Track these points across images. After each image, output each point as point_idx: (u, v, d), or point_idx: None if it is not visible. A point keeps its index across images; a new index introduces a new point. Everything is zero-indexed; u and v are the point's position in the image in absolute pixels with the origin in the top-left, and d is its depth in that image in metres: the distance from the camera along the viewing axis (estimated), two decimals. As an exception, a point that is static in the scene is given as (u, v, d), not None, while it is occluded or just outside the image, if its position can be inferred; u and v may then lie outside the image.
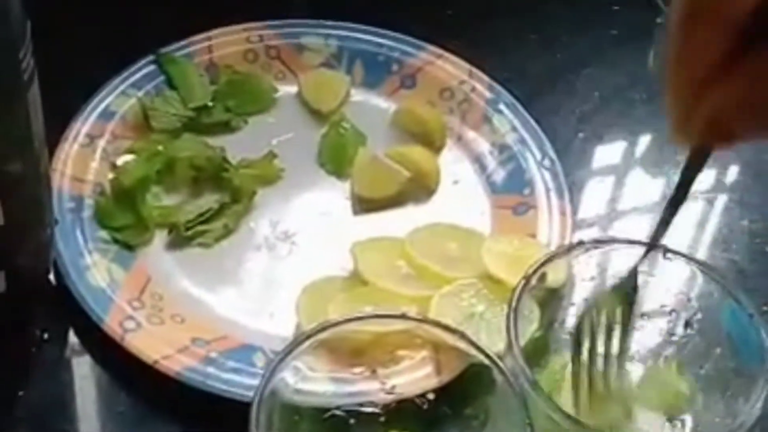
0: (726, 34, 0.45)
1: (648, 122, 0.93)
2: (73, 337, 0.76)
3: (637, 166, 0.91)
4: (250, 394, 0.56)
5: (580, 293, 0.65)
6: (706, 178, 0.89)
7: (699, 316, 0.64)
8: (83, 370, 0.74)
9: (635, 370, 0.66)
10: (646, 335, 0.66)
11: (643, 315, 0.66)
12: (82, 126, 0.84)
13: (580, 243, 0.66)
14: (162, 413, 0.72)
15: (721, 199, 0.88)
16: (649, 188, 0.89)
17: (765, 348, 0.58)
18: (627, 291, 0.62)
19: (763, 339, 0.59)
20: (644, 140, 0.93)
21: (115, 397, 0.73)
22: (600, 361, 0.62)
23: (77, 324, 0.75)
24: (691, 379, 0.64)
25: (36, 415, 0.71)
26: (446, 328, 0.60)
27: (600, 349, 0.62)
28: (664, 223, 0.58)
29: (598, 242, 0.66)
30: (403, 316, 0.62)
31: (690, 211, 0.87)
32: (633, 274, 0.61)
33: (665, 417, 0.64)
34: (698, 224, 0.86)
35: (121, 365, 0.73)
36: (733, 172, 0.90)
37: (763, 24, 0.45)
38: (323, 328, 0.58)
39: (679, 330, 0.65)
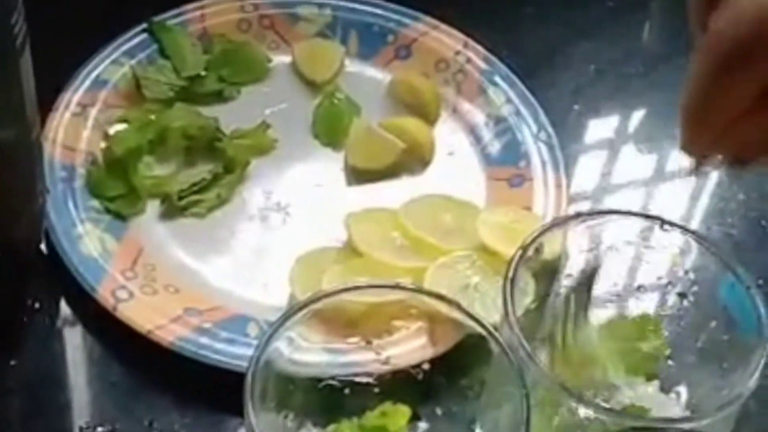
0: (756, 86, 0.46)
1: (643, 96, 0.93)
2: (65, 307, 0.75)
3: (632, 139, 0.91)
4: (244, 364, 0.55)
5: (576, 265, 0.65)
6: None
7: (695, 288, 0.64)
8: (75, 340, 0.74)
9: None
10: (642, 307, 0.65)
11: (639, 287, 0.66)
12: (73, 95, 0.83)
13: (577, 214, 0.66)
14: (155, 383, 0.72)
15: (717, 173, 0.88)
16: (643, 162, 0.89)
17: (762, 320, 0.58)
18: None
19: (760, 311, 0.58)
20: (639, 114, 0.93)
21: (107, 368, 0.73)
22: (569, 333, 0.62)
23: (69, 294, 0.75)
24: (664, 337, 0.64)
25: (28, 385, 0.71)
26: (441, 298, 0.60)
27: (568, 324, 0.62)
28: None
29: (594, 214, 0.66)
30: (397, 286, 0.62)
31: (686, 184, 0.87)
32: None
33: (659, 388, 0.64)
34: (694, 197, 0.86)
35: (113, 335, 0.73)
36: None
37: None
38: (317, 298, 0.58)
39: (674, 302, 0.65)
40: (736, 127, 0.48)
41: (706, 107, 0.48)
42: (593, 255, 0.65)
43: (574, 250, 0.65)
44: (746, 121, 0.47)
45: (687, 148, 0.51)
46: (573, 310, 0.63)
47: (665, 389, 0.64)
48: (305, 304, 0.58)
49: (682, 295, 0.65)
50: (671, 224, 0.63)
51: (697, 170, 0.54)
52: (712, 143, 0.49)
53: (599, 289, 0.66)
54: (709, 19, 0.46)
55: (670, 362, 0.65)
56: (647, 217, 0.64)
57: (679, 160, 0.52)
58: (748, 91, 0.46)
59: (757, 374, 0.57)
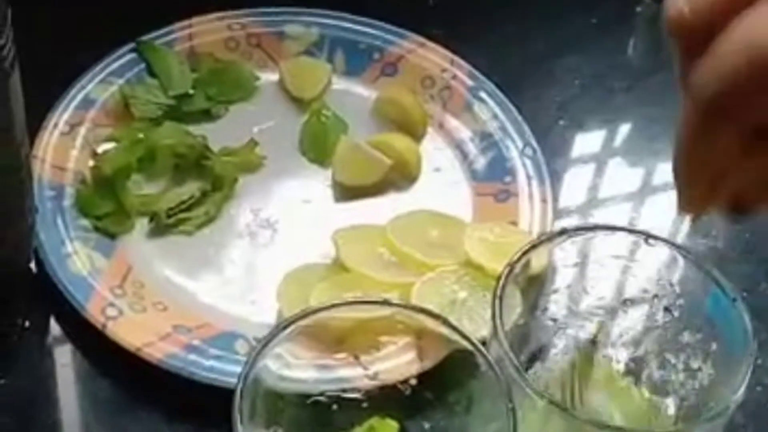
0: (742, 135, 0.45)
1: (627, 110, 0.94)
2: (54, 325, 0.76)
3: (617, 153, 0.92)
4: (233, 380, 0.56)
5: (563, 280, 0.66)
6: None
7: (681, 301, 0.64)
8: (65, 358, 0.74)
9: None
10: (629, 321, 0.66)
11: (625, 301, 0.66)
12: (62, 114, 0.83)
13: (564, 230, 0.66)
14: (144, 401, 0.72)
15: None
16: (628, 175, 0.90)
17: (748, 332, 0.58)
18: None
19: (746, 323, 0.59)
20: (624, 128, 0.94)
21: (97, 385, 0.73)
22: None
23: (59, 312, 0.75)
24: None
25: (18, 403, 0.71)
26: (428, 313, 0.60)
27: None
28: None
29: (580, 229, 0.66)
30: (384, 302, 0.62)
31: (671, 199, 0.87)
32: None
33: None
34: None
35: (102, 353, 0.73)
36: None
37: None
38: (305, 315, 0.58)
39: (660, 315, 0.66)
40: (730, 174, 0.47)
41: (696, 160, 0.47)
42: (579, 271, 0.66)
43: (561, 265, 0.66)
44: (740, 166, 0.47)
45: (684, 206, 0.50)
46: (579, 371, 0.63)
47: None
48: (293, 321, 0.58)
49: (668, 309, 0.65)
50: (656, 238, 0.64)
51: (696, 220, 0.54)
52: (709, 196, 0.48)
53: (585, 303, 0.67)
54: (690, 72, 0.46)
55: (658, 375, 0.65)
56: (633, 231, 0.64)
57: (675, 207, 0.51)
58: (734, 140, 0.45)
59: (743, 387, 0.57)
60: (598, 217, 0.86)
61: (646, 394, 0.65)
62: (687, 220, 0.55)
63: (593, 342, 0.63)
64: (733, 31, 0.43)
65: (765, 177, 0.47)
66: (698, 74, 0.44)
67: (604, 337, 0.63)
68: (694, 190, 0.48)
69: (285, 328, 0.58)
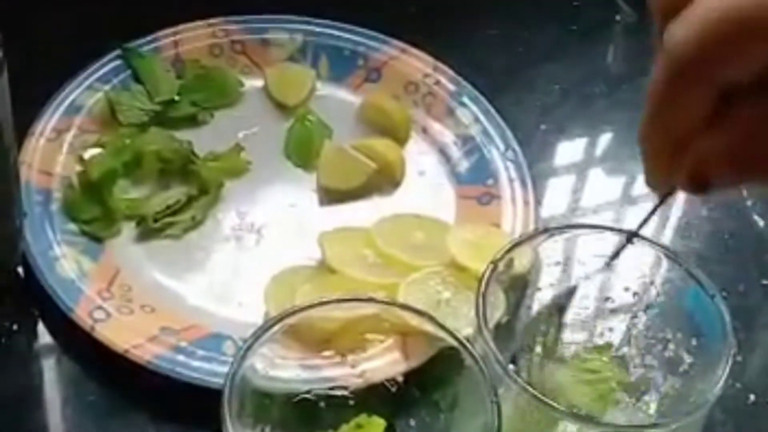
0: (710, 97, 0.45)
1: (607, 115, 0.95)
2: (42, 329, 0.76)
3: (598, 157, 0.92)
4: (220, 381, 0.56)
5: (546, 279, 0.66)
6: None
7: (661, 299, 0.65)
8: (53, 361, 0.75)
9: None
10: (612, 318, 0.67)
11: (607, 299, 0.67)
12: (49, 120, 0.84)
13: (546, 229, 0.67)
14: (133, 402, 0.73)
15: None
16: (609, 178, 0.91)
17: (727, 327, 0.59)
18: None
19: (724, 318, 0.60)
20: (604, 132, 0.94)
21: (85, 387, 0.73)
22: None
23: (47, 315, 0.76)
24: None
25: (7, 406, 0.72)
26: (414, 311, 0.60)
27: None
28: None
29: (563, 228, 0.67)
30: (370, 300, 0.63)
31: (652, 201, 0.89)
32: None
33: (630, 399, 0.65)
34: (661, 213, 0.87)
35: (91, 355, 0.74)
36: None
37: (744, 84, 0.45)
38: (291, 313, 0.58)
39: (641, 313, 0.66)
40: (692, 145, 0.47)
41: (661, 123, 0.47)
42: (562, 270, 0.66)
43: (544, 264, 0.66)
44: (703, 136, 0.48)
45: (649, 177, 0.51)
46: (544, 336, 0.64)
47: (634, 399, 0.66)
48: (280, 319, 0.58)
49: (649, 306, 0.66)
50: (638, 236, 0.65)
51: (664, 200, 0.55)
52: (671, 167, 0.49)
53: (568, 302, 0.67)
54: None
55: (639, 372, 0.66)
56: (615, 230, 0.65)
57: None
58: (702, 98, 0.46)
59: (722, 380, 0.58)
60: (579, 218, 0.87)
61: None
62: (655, 202, 0.56)
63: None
64: None
65: (726, 146, 0.47)
66: (673, 29, 0.45)
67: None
68: (658, 159, 0.49)
69: (272, 326, 0.58)
